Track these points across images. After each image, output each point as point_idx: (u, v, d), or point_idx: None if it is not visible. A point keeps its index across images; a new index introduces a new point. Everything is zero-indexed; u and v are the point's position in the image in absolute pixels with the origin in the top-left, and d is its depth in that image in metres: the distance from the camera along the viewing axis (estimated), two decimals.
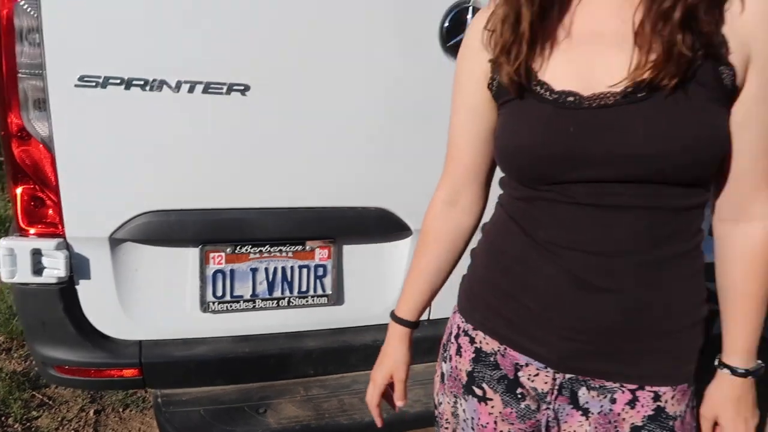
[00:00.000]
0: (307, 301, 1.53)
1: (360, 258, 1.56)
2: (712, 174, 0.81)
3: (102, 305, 1.39)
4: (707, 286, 0.90)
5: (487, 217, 0.99)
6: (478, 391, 0.96)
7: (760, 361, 0.88)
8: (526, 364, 0.90)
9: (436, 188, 1.00)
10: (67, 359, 1.39)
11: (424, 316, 1.05)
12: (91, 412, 2.25)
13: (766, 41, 0.74)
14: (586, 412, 0.89)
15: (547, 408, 0.91)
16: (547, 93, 0.79)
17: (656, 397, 0.87)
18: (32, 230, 1.34)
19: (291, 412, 1.46)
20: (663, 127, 0.74)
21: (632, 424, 0.87)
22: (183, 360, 1.45)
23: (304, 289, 1.53)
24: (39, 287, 1.34)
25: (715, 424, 0.92)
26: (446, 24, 1.38)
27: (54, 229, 1.33)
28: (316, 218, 1.47)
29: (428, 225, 1.02)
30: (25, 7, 1.23)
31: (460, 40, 1.36)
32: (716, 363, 0.90)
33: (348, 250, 1.55)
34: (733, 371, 0.88)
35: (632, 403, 0.87)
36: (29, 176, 1.32)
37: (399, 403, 1.05)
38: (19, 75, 1.25)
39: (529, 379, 0.91)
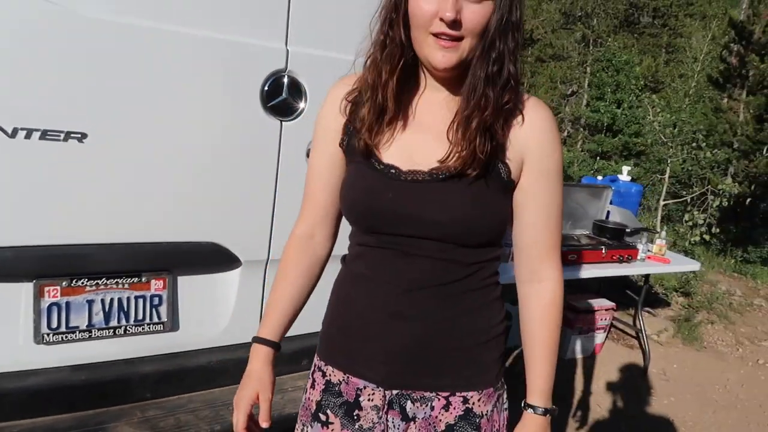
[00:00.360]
0: (143, 329, 1.66)
1: (194, 287, 1.73)
2: (498, 242, 1.07)
3: None
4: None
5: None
6: (323, 417, 1.13)
7: (554, 406, 1.09)
8: (365, 387, 1.09)
9: (295, 224, 1.17)
10: None
11: (248, 338, 1.18)
12: None
13: (536, 149, 1.02)
14: (414, 420, 1.09)
15: (381, 422, 1.09)
16: (377, 163, 1.03)
17: (465, 401, 1.08)
18: None
19: (126, 431, 1.57)
20: (456, 204, 1.00)
21: (447, 423, 1.08)
22: (16, 391, 1.50)
23: (140, 317, 1.66)
24: None
25: None
26: (266, 88, 1.65)
27: None
28: (152, 252, 1.63)
29: (287, 256, 1.16)
30: None
31: (279, 101, 1.64)
32: (522, 404, 1.10)
33: (183, 280, 1.71)
34: (534, 410, 1.08)
35: (446, 407, 1.08)
36: None
37: (264, 424, 1.09)
38: None
39: (369, 399, 1.10)
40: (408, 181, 1.01)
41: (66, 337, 1.56)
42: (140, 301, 1.65)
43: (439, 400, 1.08)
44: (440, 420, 1.08)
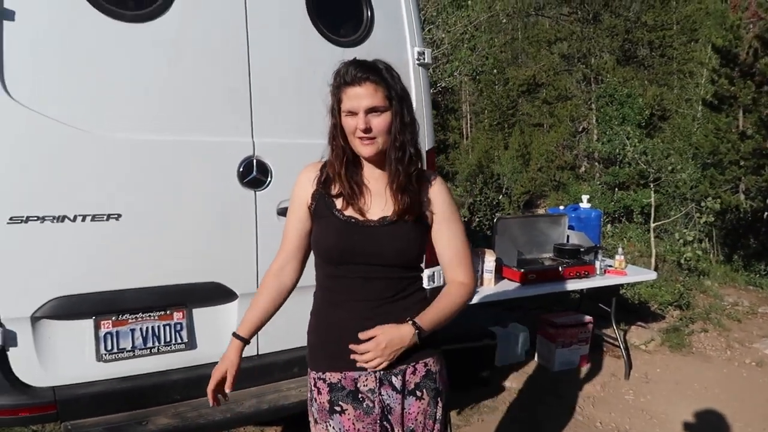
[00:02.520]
0: (170, 348, 2.31)
1: (205, 316, 2.38)
2: (420, 265, 1.65)
3: (25, 363, 2.08)
4: None
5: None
6: (337, 408, 1.60)
7: (423, 330, 1.55)
8: (359, 376, 1.59)
9: (274, 260, 1.70)
10: (1, 404, 2.05)
11: (254, 351, 1.95)
12: None
13: (441, 203, 1.62)
14: (401, 390, 1.60)
15: (378, 397, 1.58)
16: (341, 215, 1.58)
17: (426, 365, 1.63)
18: None
19: (164, 421, 2.19)
20: (396, 240, 1.56)
21: (415, 382, 1.62)
22: (85, 397, 2.15)
23: (168, 340, 2.31)
24: None
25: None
26: (241, 169, 2.36)
27: None
28: (173, 291, 2.29)
29: (265, 281, 1.69)
30: None
31: (252, 178, 2.32)
32: (408, 319, 1.56)
33: (196, 311, 2.36)
34: (413, 323, 1.55)
35: (414, 372, 1.62)
36: None
37: (227, 389, 1.66)
38: None
39: (364, 385, 1.59)
40: (364, 227, 1.57)
41: (117, 356, 2.22)
42: (167, 328, 2.31)
43: (408, 368, 1.61)
44: (411, 382, 1.62)
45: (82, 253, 2.15)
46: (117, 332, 2.22)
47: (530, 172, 25.21)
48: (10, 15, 2.00)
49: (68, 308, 2.13)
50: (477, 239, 6.63)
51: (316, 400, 1.65)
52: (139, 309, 2.25)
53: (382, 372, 1.59)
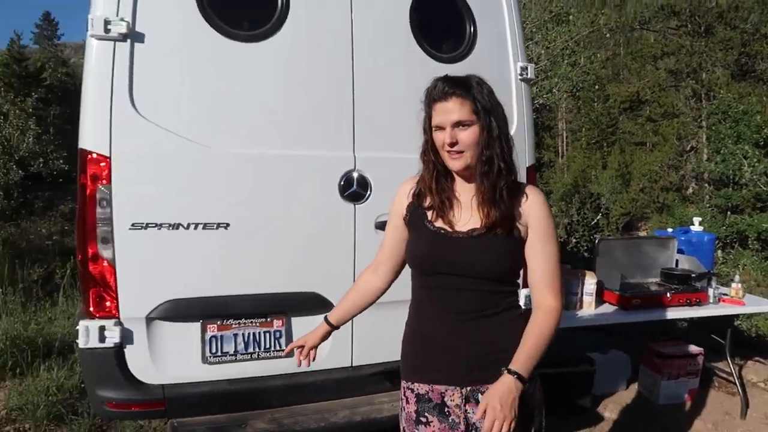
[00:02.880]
0: (269, 354, 2.39)
1: (303, 324, 2.43)
2: (515, 279, 1.61)
3: (139, 361, 2.22)
4: None
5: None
6: (423, 419, 1.63)
7: (526, 376, 1.47)
8: (446, 390, 1.61)
9: (372, 262, 1.81)
10: (116, 397, 2.19)
11: (349, 363, 2.11)
12: None
13: (535, 218, 1.58)
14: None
15: (463, 413, 1.59)
16: (431, 226, 1.61)
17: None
18: (98, 315, 2.19)
19: (261, 426, 2.25)
20: (485, 253, 1.55)
21: None
22: (191, 396, 2.26)
23: (267, 346, 2.39)
24: (102, 350, 2.17)
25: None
26: (341, 183, 2.42)
27: (112, 313, 2.19)
28: (274, 300, 2.37)
29: (359, 278, 1.86)
30: (102, 188, 2.18)
31: (352, 191, 2.36)
32: (503, 368, 1.48)
33: (295, 320, 2.43)
34: (508, 371, 1.47)
35: None
36: (98, 283, 2.20)
37: (300, 357, 1.84)
38: (97, 224, 2.18)
39: (451, 400, 1.61)
40: (453, 238, 1.58)
41: (221, 359, 2.32)
42: (267, 334, 2.39)
43: None
44: None
45: (193, 260, 2.27)
46: (221, 336, 2.32)
47: (631, 192, 23.98)
48: (140, 38, 2.18)
49: (179, 311, 2.25)
50: (575, 260, 6.37)
51: (404, 409, 1.69)
52: (242, 315, 2.34)
53: (468, 388, 1.59)
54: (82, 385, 3.53)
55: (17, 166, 12.74)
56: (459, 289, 1.58)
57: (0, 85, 18.69)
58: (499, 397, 1.43)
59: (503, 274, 1.59)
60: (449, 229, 1.59)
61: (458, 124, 1.53)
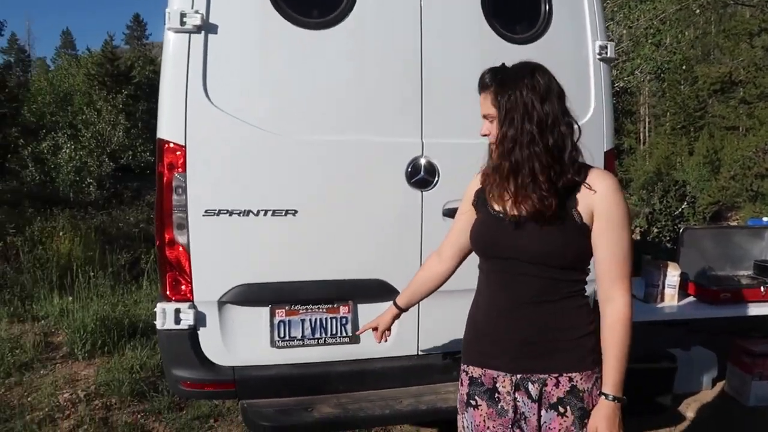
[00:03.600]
0: (336, 341, 2.40)
1: (369, 312, 2.42)
2: (582, 268, 1.55)
3: (212, 343, 2.30)
4: None
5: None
6: (473, 402, 1.63)
7: (624, 396, 1.49)
8: (497, 375, 1.58)
9: (439, 247, 1.82)
10: (190, 377, 2.28)
11: (414, 351, 2.14)
12: None
13: (601, 206, 1.49)
14: (537, 400, 1.54)
15: (513, 401, 1.55)
16: (491, 210, 1.59)
17: (570, 380, 1.52)
18: (174, 298, 2.29)
19: (327, 410, 2.28)
20: (545, 238, 1.49)
21: (558, 396, 1.53)
22: (260, 378, 2.32)
23: (334, 332, 2.41)
24: (178, 332, 2.26)
25: None
26: (409, 169, 2.38)
27: (187, 297, 2.28)
28: (340, 286, 2.38)
29: (425, 263, 1.89)
30: (178, 176, 2.26)
31: (420, 178, 2.32)
32: (599, 392, 1.51)
33: (361, 306, 2.43)
34: (606, 397, 1.48)
35: (557, 385, 1.53)
36: (174, 267, 2.29)
37: (377, 340, 1.96)
38: (173, 211, 2.26)
39: (502, 386, 1.58)
40: (509, 222, 1.54)
41: (289, 343, 2.36)
42: (333, 320, 2.40)
43: (551, 379, 1.53)
44: (553, 395, 1.54)
45: (263, 246, 2.32)
46: (289, 321, 2.36)
47: (720, 180, 22.54)
48: (213, 29, 2.23)
49: (249, 295, 2.31)
50: (657, 251, 6.05)
51: (459, 391, 1.70)
52: (309, 301, 2.37)
53: (519, 376, 1.55)
54: (162, 365, 3.71)
55: (109, 158, 13.62)
56: (517, 274, 1.54)
57: (95, 84, 20.00)
58: (606, 424, 1.48)
59: (564, 260, 1.52)
60: (506, 211, 1.56)
61: (486, 117, 1.57)
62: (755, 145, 22.24)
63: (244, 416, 2.30)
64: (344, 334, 2.41)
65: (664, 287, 3.40)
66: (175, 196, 2.25)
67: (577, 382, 1.53)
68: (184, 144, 2.23)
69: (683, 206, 8.78)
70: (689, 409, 3.67)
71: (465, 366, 1.68)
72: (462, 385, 1.68)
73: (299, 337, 2.37)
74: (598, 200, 1.50)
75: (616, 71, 9.27)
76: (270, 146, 2.29)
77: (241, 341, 2.33)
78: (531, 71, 1.52)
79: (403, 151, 2.38)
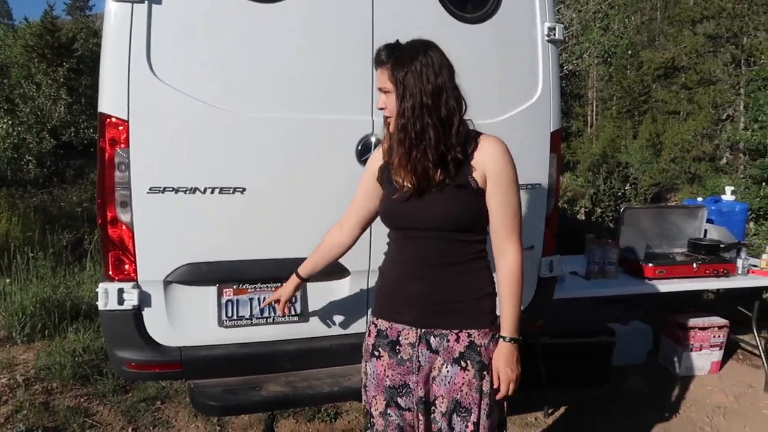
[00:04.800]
0: (285, 319, 2.39)
1: (319, 291, 2.43)
2: (482, 228, 1.70)
3: (157, 323, 2.26)
4: None
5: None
6: (376, 353, 1.80)
7: (519, 337, 1.70)
8: (402, 329, 1.75)
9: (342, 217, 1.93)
10: (135, 359, 2.24)
11: (363, 329, 2.18)
12: (130, 429, 3.04)
13: (492, 168, 1.65)
14: (437, 352, 1.72)
15: (415, 352, 1.73)
16: (395, 184, 1.72)
17: (469, 336, 1.70)
18: (117, 278, 2.23)
19: (275, 389, 2.28)
20: (441, 205, 1.65)
21: (459, 351, 1.70)
22: (207, 358, 2.29)
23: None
24: (121, 312, 2.21)
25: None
26: (359, 147, 2.37)
27: (131, 276, 2.22)
28: (290, 265, 2.33)
29: (327, 234, 2.00)
30: (120, 152, 2.18)
31: (368, 157, 2.31)
32: (497, 335, 1.71)
33: (310, 285, 2.42)
34: (503, 339, 1.70)
35: (457, 340, 1.71)
36: (117, 246, 2.22)
37: (280, 312, 2.16)
38: (116, 188, 2.19)
39: (405, 338, 1.75)
40: (411, 194, 1.67)
41: (237, 323, 2.34)
42: None
43: (452, 335, 1.71)
44: (455, 349, 1.71)
45: (210, 224, 2.27)
46: (237, 300, 2.34)
47: (661, 162, 23.44)
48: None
49: (196, 275, 2.27)
50: (600, 230, 6.27)
51: (365, 341, 1.85)
52: (257, 280, 2.35)
53: (423, 330, 1.72)
54: (106, 347, 3.63)
55: (50, 135, 13.01)
56: (423, 239, 1.69)
57: (34, 56, 18.96)
58: (506, 362, 1.68)
59: (463, 223, 1.67)
60: (408, 185, 1.68)
61: (382, 90, 1.66)
62: (694, 130, 23.18)
63: (191, 397, 2.28)
64: (293, 313, 2.40)
65: (605, 264, 3.54)
66: (117, 173, 2.18)
67: (474, 338, 1.70)
68: (126, 119, 2.16)
69: (626, 187, 9.10)
70: (627, 381, 3.86)
71: (374, 318, 1.83)
72: (369, 335, 1.83)
73: (247, 316, 2.35)
74: (489, 164, 1.65)
75: (565, 54, 9.44)
76: (217, 122, 2.24)
77: (188, 321, 2.30)
78: (425, 48, 1.64)
79: (354, 129, 2.37)
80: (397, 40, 1.68)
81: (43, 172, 12.15)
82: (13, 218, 6.55)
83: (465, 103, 1.68)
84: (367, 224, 1.94)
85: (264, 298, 2.36)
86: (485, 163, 1.66)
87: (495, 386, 1.70)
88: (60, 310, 4.24)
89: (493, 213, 1.68)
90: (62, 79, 15.07)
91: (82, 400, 3.30)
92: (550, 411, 3.40)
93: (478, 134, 1.70)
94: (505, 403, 1.81)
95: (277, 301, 2.14)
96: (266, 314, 2.37)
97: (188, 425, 3.11)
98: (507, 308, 1.70)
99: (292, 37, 2.30)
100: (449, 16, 2.50)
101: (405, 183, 1.68)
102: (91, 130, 14.46)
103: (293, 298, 2.22)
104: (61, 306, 4.31)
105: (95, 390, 3.36)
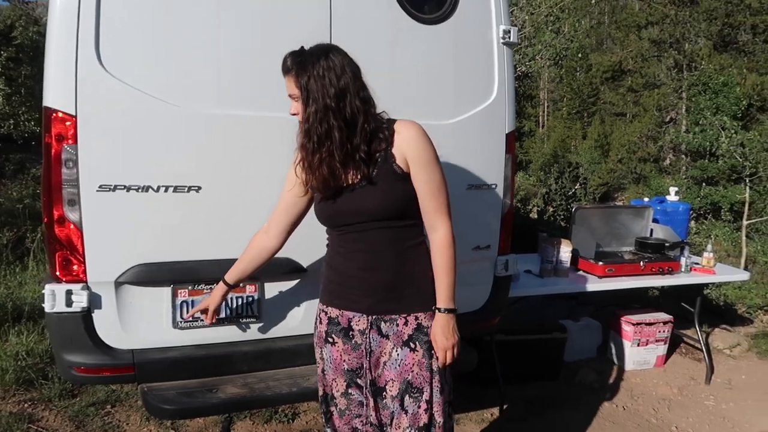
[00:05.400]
0: (241, 320, 2.36)
1: (276, 290, 2.41)
2: (416, 210, 1.77)
3: (108, 325, 2.18)
4: None
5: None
6: (330, 339, 1.88)
7: (455, 307, 1.79)
8: (353, 316, 1.83)
9: (265, 223, 1.98)
10: (84, 362, 2.15)
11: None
12: None
13: (410, 151, 1.72)
14: (387, 336, 1.80)
15: (366, 338, 1.81)
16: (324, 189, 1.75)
17: (417, 318, 1.81)
18: (65, 279, 2.14)
19: (232, 391, 2.24)
20: (374, 197, 1.72)
21: (408, 334, 1.80)
22: (161, 361, 2.23)
23: (240, 312, 2.36)
24: (69, 314, 2.13)
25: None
26: None
27: (79, 277, 2.14)
28: None
29: (252, 240, 2.03)
30: (68, 148, 2.09)
31: None
32: (434, 308, 1.80)
33: (268, 285, 2.39)
34: (440, 310, 1.79)
35: (406, 323, 1.81)
36: (65, 246, 2.14)
37: (207, 321, 2.16)
38: (63, 185, 2.10)
39: (356, 325, 1.83)
40: (347, 192, 1.74)
41: (192, 324, 2.28)
42: (239, 300, 2.35)
43: (401, 319, 1.80)
44: (404, 332, 1.81)
45: (164, 223, 2.21)
46: (192, 301, 2.28)
47: (609, 163, 24.20)
48: None
49: (149, 275, 2.20)
50: (552, 229, 6.43)
51: (317, 328, 1.92)
52: (213, 280, 2.29)
53: (373, 317, 1.79)
54: (52, 350, 3.48)
55: None
56: (365, 231, 1.75)
57: None
58: (442, 331, 1.76)
59: (398, 210, 1.75)
60: (342, 184, 1.74)
61: (292, 97, 1.72)
62: (639, 131, 24.03)
63: (144, 401, 2.21)
64: (250, 314, 2.37)
65: (557, 263, 3.63)
66: (65, 170, 2.09)
67: (422, 320, 1.80)
68: (74, 114, 2.07)
69: (576, 187, 9.36)
70: (578, 375, 3.97)
71: (324, 306, 1.89)
72: (321, 323, 1.90)
73: (203, 317, 2.30)
74: (407, 148, 1.72)
75: (518, 56, 9.62)
76: (171, 119, 2.17)
77: (141, 323, 2.23)
78: (326, 52, 1.68)
79: None
80: (302, 47, 1.72)
81: None
82: None
83: (373, 101, 1.74)
84: (294, 228, 1.99)
85: None
86: (403, 147, 1.72)
87: (436, 356, 1.78)
88: (1, 312, 4.04)
89: (420, 193, 1.74)
90: (0, 69, 14.33)
91: (26, 405, 3.16)
92: (505, 407, 3.46)
93: (393, 121, 1.75)
94: (449, 385, 1.89)
95: (204, 310, 2.15)
96: (223, 315, 2.32)
97: (140, 429, 3.03)
98: (442, 280, 1.77)
99: (248, 33, 2.25)
100: (407, 16, 2.50)
101: (317, 185, 1.75)
102: (32, 123, 13.78)
103: (224, 303, 2.24)
104: (2, 308, 4.12)
105: (40, 395, 3.23)
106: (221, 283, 2.08)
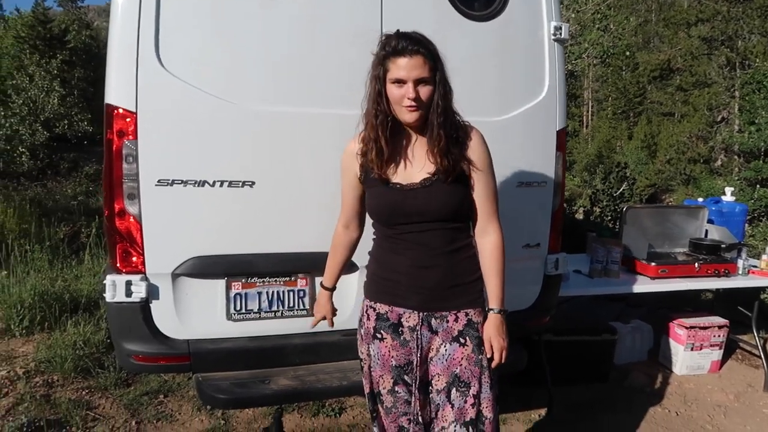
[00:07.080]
0: (293, 313, 2.39)
1: None
2: (467, 213, 1.80)
3: (165, 316, 2.24)
4: None
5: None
6: (378, 335, 1.87)
7: (505, 308, 1.82)
8: (404, 312, 1.83)
9: (338, 221, 2.00)
10: (142, 351, 2.22)
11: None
12: (133, 422, 3.02)
13: (476, 159, 1.77)
14: (436, 332, 1.81)
15: (417, 335, 1.81)
16: (387, 183, 1.78)
17: (467, 315, 1.83)
18: (124, 270, 2.21)
19: (284, 382, 2.28)
20: (439, 198, 1.74)
21: (458, 330, 1.82)
22: (215, 352, 2.28)
23: (291, 305, 2.39)
24: (129, 304, 2.20)
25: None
26: None
27: (138, 269, 2.21)
28: (299, 259, 2.35)
29: (336, 239, 2.04)
30: (128, 144, 2.16)
31: None
32: (487, 309, 1.82)
33: (319, 279, 2.40)
34: (492, 311, 1.82)
35: (456, 320, 1.82)
36: (125, 238, 2.21)
37: (330, 326, 2.12)
38: (123, 180, 2.18)
39: (407, 321, 1.84)
40: (408, 190, 1.76)
41: (245, 316, 2.33)
42: (291, 293, 2.39)
43: (451, 316, 1.82)
44: (454, 328, 1.82)
45: (219, 217, 2.26)
46: (246, 294, 2.33)
47: (656, 164, 23.56)
48: None
49: (204, 268, 2.26)
50: (600, 229, 6.29)
51: (364, 324, 1.91)
52: (266, 273, 2.34)
53: (424, 313, 1.80)
54: (108, 340, 3.61)
55: (43, 127, 12.90)
56: (421, 231, 1.76)
57: (25, 47, 18.82)
58: (497, 331, 1.80)
59: (460, 212, 1.78)
60: (403, 182, 1.76)
61: (420, 82, 1.66)
62: (689, 131, 23.30)
63: (198, 390, 2.27)
64: (302, 307, 2.40)
65: (607, 263, 3.55)
66: (125, 165, 2.16)
67: (472, 316, 1.82)
68: (134, 110, 2.14)
69: (623, 187, 9.14)
70: (628, 379, 3.88)
71: (371, 302, 1.89)
72: (369, 319, 1.89)
73: (256, 309, 2.34)
74: (472, 152, 1.77)
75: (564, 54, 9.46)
76: (227, 115, 2.22)
77: (196, 314, 2.29)
78: (429, 38, 1.70)
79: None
80: (401, 31, 1.72)
81: (37, 165, 12.07)
82: (8, 210, 6.49)
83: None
84: (365, 218, 2.01)
85: (272, 292, 2.36)
86: (473, 150, 1.78)
87: (489, 356, 1.80)
88: (59, 303, 4.21)
89: (478, 197, 1.80)
90: (55, 71, 14.91)
91: (83, 393, 3.28)
92: (553, 408, 3.41)
93: (461, 122, 1.79)
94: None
95: (323, 318, 2.13)
96: (275, 308, 2.37)
97: (192, 419, 3.10)
98: (493, 282, 1.81)
99: (299, 31, 2.29)
100: (457, 13, 2.50)
101: (401, 179, 1.76)
102: (85, 123, 14.33)
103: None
104: (60, 299, 4.28)
105: (97, 383, 3.35)
106: (322, 291, 2.09)
